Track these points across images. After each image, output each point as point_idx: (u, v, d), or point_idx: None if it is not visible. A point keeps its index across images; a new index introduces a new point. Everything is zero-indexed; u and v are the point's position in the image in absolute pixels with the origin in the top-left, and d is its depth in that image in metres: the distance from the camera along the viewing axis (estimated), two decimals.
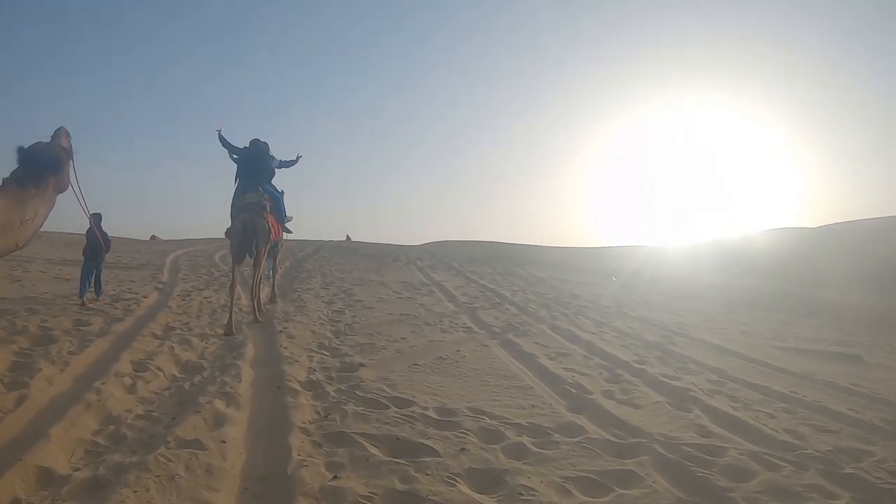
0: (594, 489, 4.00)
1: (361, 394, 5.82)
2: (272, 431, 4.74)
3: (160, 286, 12.83)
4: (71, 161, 5.38)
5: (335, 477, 3.90)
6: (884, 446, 5.23)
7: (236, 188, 9.88)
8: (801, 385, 7.53)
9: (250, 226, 9.08)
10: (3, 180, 4.48)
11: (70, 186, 5.51)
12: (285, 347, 7.64)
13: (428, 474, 4.00)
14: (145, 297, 11.20)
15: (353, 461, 4.18)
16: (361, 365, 7.00)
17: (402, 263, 21.60)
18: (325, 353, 7.71)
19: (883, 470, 4.58)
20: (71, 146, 5.39)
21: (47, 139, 5.21)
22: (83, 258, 10.47)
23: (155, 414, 5.05)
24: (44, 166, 4.66)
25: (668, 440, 4.96)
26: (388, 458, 4.26)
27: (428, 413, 5.33)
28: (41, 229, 5.26)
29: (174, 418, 4.87)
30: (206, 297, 11.64)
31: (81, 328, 8.04)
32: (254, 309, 9.63)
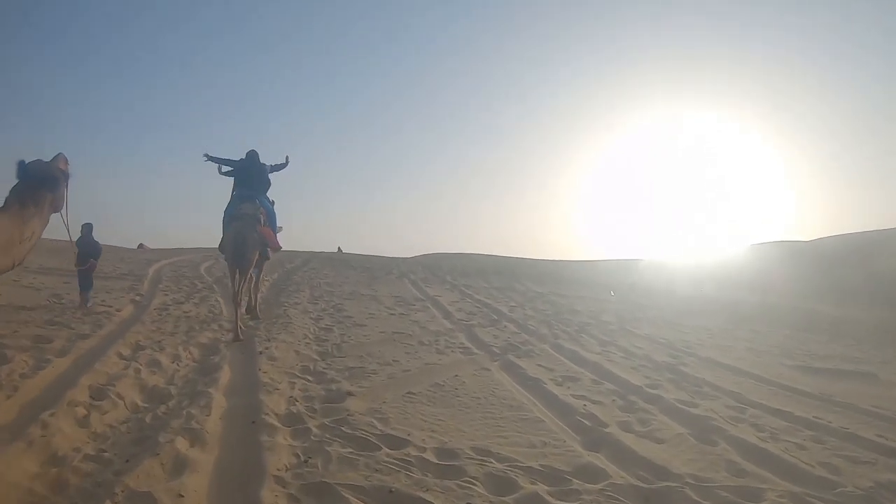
0: None
1: (349, 430, 5.08)
2: (241, 481, 4.00)
3: (137, 298, 12.07)
4: (66, 183, 5.40)
5: None
6: None
7: (231, 198, 9.99)
8: (823, 409, 7.07)
9: (241, 236, 9.16)
10: (6, 200, 4.50)
11: (61, 213, 5.53)
12: (265, 372, 6.88)
13: None
14: (119, 310, 10.43)
15: None
16: (349, 394, 6.26)
17: (394, 277, 20.80)
18: (310, 378, 6.96)
19: None
20: (68, 170, 5.40)
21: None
22: (76, 269, 10.73)
23: (107, 454, 4.33)
24: (41, 183, 4.69)
25: (700, 482, 4.39)
26: None
27: (426, 455, 4.60)
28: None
29: (128, 461, 4.15)
30: (185, 312, 10.87)
31: (41, 345, 7.29)
32: (235, 326, 9.04)
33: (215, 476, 4.09)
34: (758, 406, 6.89)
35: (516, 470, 4.41)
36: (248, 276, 9.75)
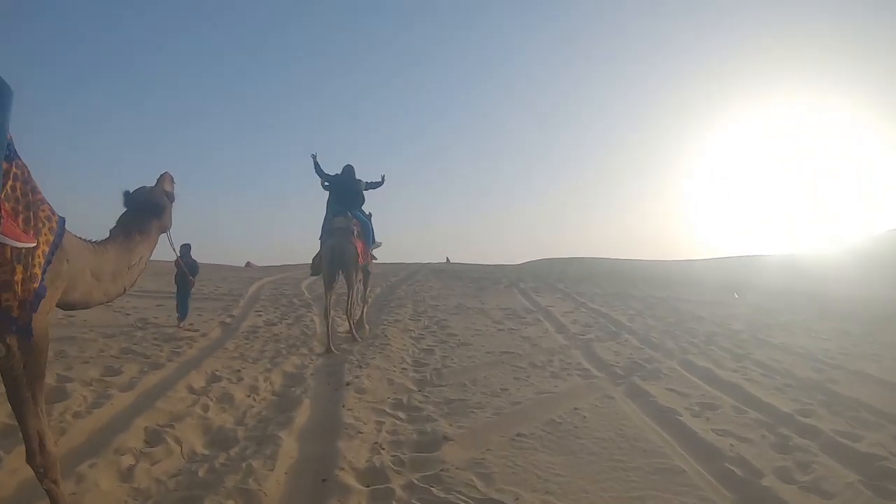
0: None
1: (441, 493, 3.95)
2: None
3: (228, 320, 11.39)
4: (173, 203, 5.38)
5: None
6: None
7: (326, 214, 10.16)
8: None
9: (338, 250, 9.34)
10: (111, 230, 4.60)
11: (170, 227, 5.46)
12: (349, 410, 5.86)
13: None
14: (204, 334, 9.74)
15: None
16: (446, 438, 5.09)
17: (503, 286, 19.61)
18: (401, 415, 5.86)
19: None
20: (173, 190, 5.40)
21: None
22: (175, 287, 11.09)
23: None
24: (146, 212, 4.80)
25: None
26: None
27: None
28: None
29: None
30: (275, 334, 10.06)
31: (107, 378, 6.68)
32: (351, 330, 9.73)
33: None
34: None
35: None
36: (355, 286, 9.79)
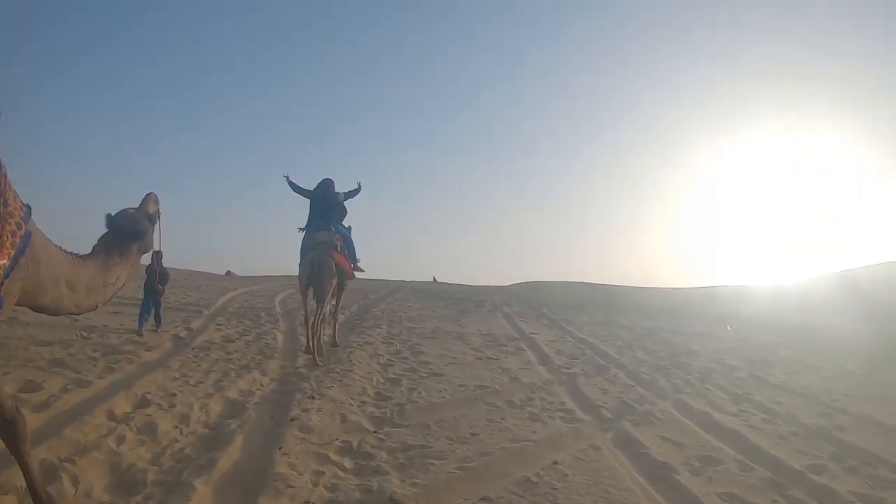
0: None
1: None
2: None
3: (183, 334, 10.45)
4: (155, 225, 5.54)
5: None
6: None
7: (306, 227, 9.99)
8: None
9: (317, 263, 9.15)
10: (94, 247, 4.68)
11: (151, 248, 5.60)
12: (286, 454, 4.94)
13: None
14: (151, 349, 8.84)
15: None
16: (393, 502, 4.18)
17: (486, 310, 18.67)
18: (347, 464, 4.96)
19: None
20: (158, 212, 5.56)
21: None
22: (143, 292, 10.81)
23: None
24: (127, 236, 4.91)
25: None
26: None
27: None
28: None
29: None
30: (228, 353, 9.10)
31: (23, 395, 5.90)
32: (313, 351, 8.97)
33: None
34: None
35: None
36: (325, 302, 9.48)
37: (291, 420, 5.83)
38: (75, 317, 10.95)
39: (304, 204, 10.30)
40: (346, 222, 10.66)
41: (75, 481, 4.12)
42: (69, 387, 6.28)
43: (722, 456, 5.65)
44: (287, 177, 10.45)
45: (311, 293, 9.36)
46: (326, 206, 10.08)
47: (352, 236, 10.60)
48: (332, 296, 10.13)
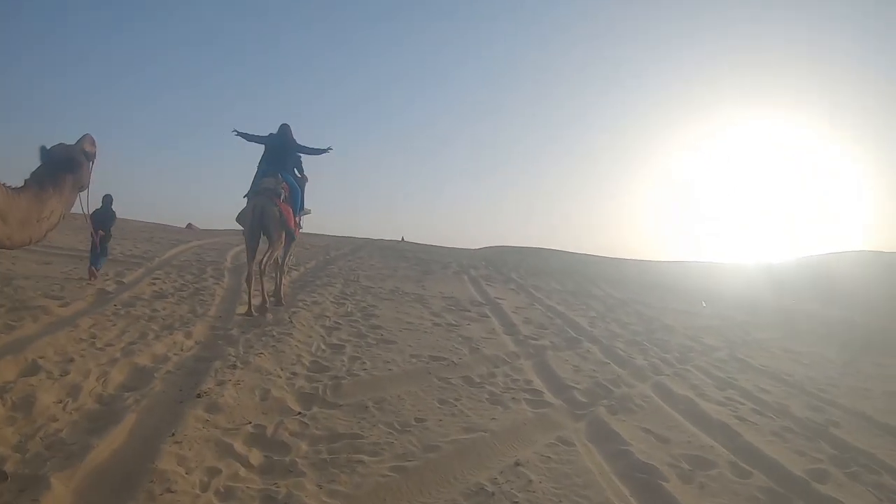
0: None
1: None
2: None
3: (111, 288, 9.34)
4: (91, 163, 5.53)
5: None
6: None
7: (256, 173, 9.56)
8: None
9: (259, 210, 8.77)
10: (25, 181, 4.67)
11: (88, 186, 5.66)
12: (178, 443, 3.93)
13: None
14: (68, 303, 7.78)
15: None
16: None
17: (451, 272, 17.61)
18: (253, 459, 3.93)
19: None
20: (94, 151, 5.50)
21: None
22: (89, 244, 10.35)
23: None
24: (60, 166, 4.93)
25: None
26: None
27: None
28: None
29: None
30: (154, 310, 8.04)
31: None
32: (262, 292, 8.89)
33: None
34: None
35: None
36: (277, 247, 9.07)
37: (199, 396, 4.79)
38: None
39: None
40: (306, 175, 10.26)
41: None
42: None
43: (713, 456, 4.78)
44: (235, 131, 10.00)
45: (256, 243, 9.01)
46: (279, 152, 9.67)
47: (303, 188, 10.10)
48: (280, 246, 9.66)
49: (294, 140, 9.84)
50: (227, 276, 11.99)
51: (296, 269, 13.65)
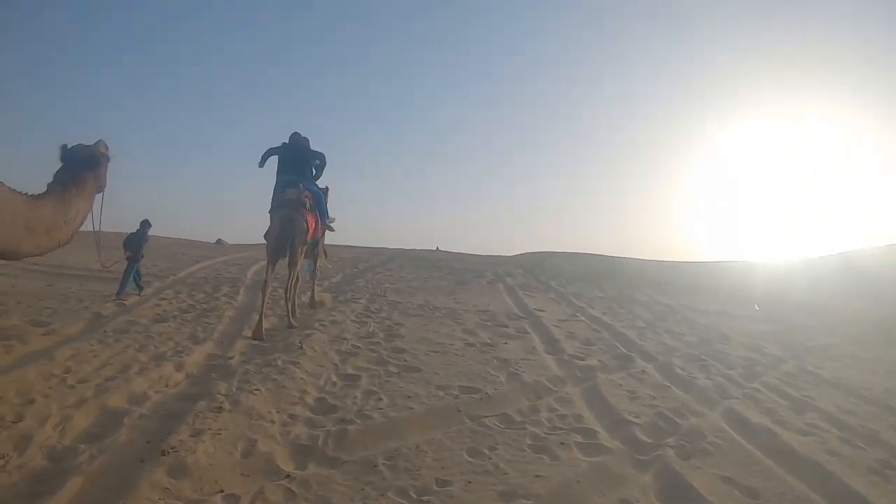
0: None
1: None
2: None
3: (106, 312, 8.47)
4: (106, 165, 5.51)
5: None
6: None
7: (275, 184, 9.13)
8: None
9: (287, 223, 8.50)
10: (48, 185, 4.65)
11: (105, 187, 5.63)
12: None
13: None
14: (51, 332, 6.97)
15: None
16: None
17: (486, 281, 16.58)
18: None
19: None
20: (108, 153, 5.48)
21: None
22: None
23: None
24: (82, 163, 4.89)
25: None
26: None
27: None
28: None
29: None
30: (148, 337, 7.16)
31: None
32: (288, 313, 8.73)
33: None
34: None
35: None
36: (297, 264, 8.78)
37: (164, 454, 3.78)
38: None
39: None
40: (321, 183, 9.89)
41: None
42: None
43: None
44: (260, 164, 9.43)
45: (280, 257, 8.67)
46: (297, 161, 9.24)
47: (325, 196, 9.97)
48: (307, 256, 9.76)
49: (308, 148, 9.42)
50: (242, 293, 11.13)
51: (318, 285, 12.77)
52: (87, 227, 6.11)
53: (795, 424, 5.60)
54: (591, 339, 9.33)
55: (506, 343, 8.46)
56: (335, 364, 6.59)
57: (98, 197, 5.74)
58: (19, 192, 4.16)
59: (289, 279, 8.74)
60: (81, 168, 4.90)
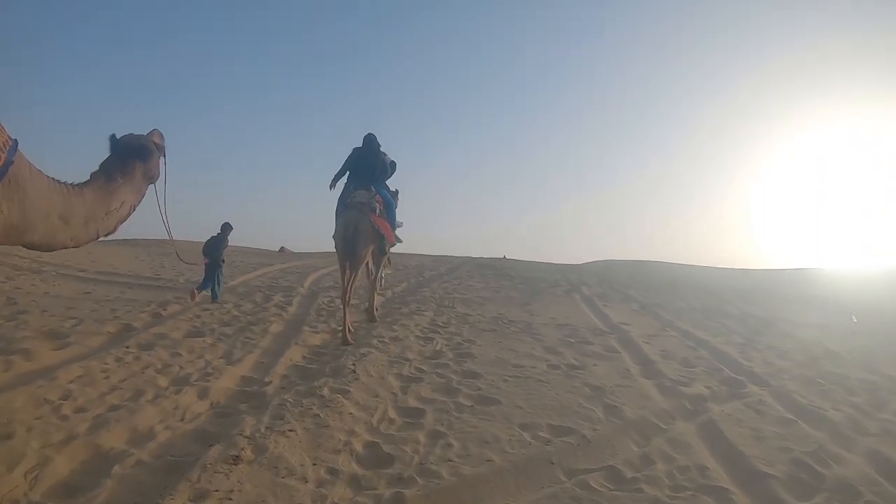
0: None
1: None
2: None
3: (139, 325, 7.55)
4: (163, 158, 5.23)
5: None
6: None
7: (345, 186, 8.84)
8: None
9: (352, 227, 8.13)
10: (92, 173, 4.44)
11: (157, 187, 5.23)
12: None
13: None
14: (64, 346, 6.14)
15: None
16: None
17: (561, 291, 15.23)
18: None
19: None
20: (163, 144, 5.19)
21: None
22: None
23: None
24: (131, 152, 4.69)
25: None
26: None
27: None
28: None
29: None
30: (175, 354, 6.22)
31: None
32: (345, 329, 7.90)
33: None
34: None
35: None
36: (361, 266, 8.44)
37: None
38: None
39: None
40: (392, 186, 9.70)
41: None
42: None
43: None
44: (331, 186, 8.99)
45: (349, 263, 8.21)
46: (367, 163, 8.86)
47: (395, 201, 9.61)
48: (374, 261, 9.52)
49: (381, 151, 9.01)
50: (295, 304, 10.12)
51: (381, 295, 11.68)
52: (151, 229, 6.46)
53: None
54: (689, 358, 7.98)
55: (595, 365, 7.17)
56: (394, 393, 5.40)
57: (160, 190, 5.35)
58: (57, 181, 3.86)
59: (353, 280, 8.23)
60: (130, 157, 4.60)
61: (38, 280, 11.02)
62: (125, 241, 23.69)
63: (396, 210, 9.65)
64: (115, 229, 4.66)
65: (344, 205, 8.43)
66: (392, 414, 4.84)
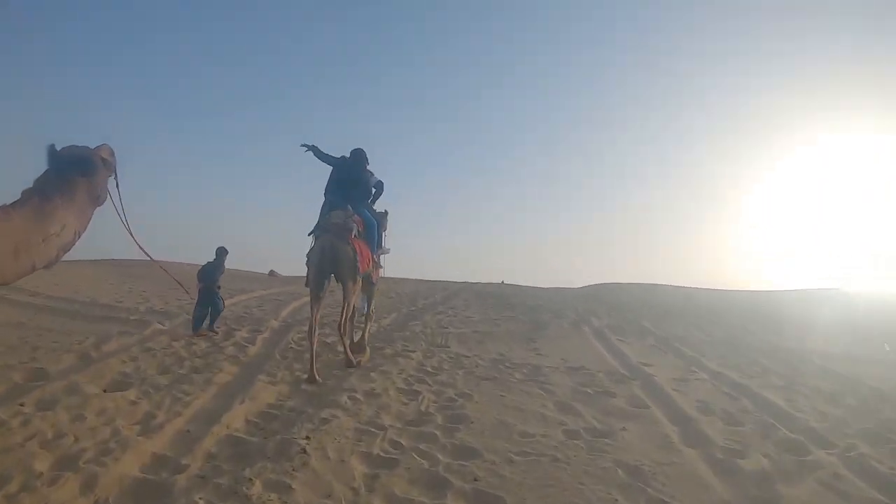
0: None
1: None
2: None
3: (54, 366, 6.31)
4: (113, 176, 4.78)
5: None
6: None
7: (323, 204, 8.36)
8: None
9: (329, 251, 7.51)
10: (23, 192, 3.99)
11: (115, 206, 4.82)
12: None
13: None
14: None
15: None
16: None
17: (567, 323, 13.72)
18: None
19: None
20: (112, 161, 4.68)
21: None
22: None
23: None
24: (70, 165, 4.15)
25: None
26: None
27: None
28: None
29: None
30: (79, 416, 4.79)
31: None
32: (346, 352, 7.74)
33: None
34: None
35: None
36: (353, 297, 7.88)
37: None
38: None
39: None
40: (381, 207, 9.37)
41: None
42: None
43: None
44: (305, 145, 8.67)
45: (323, 289, 7.65)
46: (350, 181, 8.49)
47: (380, 223, 9.07)
48: (359, 293, 8.76)
49: (367, 169, 8.60)
50: (259, 342, 8.71)
51: (375, 323, 10.30)
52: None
53: None
54: (731, 412, 6.58)
55: (623, 429, 5.65)
56: (354, 489, 3.86)
57: (120, 214, 4.86)
58: None
59: (342, 314, 7.67)
60: (71, 172, 4.08)
61: None
62: (112, 260, 22.38)
63: (385, 234, 9.24)
64: (57, 258, 4.08)
65: (321, 227, 7.91)
66: None
